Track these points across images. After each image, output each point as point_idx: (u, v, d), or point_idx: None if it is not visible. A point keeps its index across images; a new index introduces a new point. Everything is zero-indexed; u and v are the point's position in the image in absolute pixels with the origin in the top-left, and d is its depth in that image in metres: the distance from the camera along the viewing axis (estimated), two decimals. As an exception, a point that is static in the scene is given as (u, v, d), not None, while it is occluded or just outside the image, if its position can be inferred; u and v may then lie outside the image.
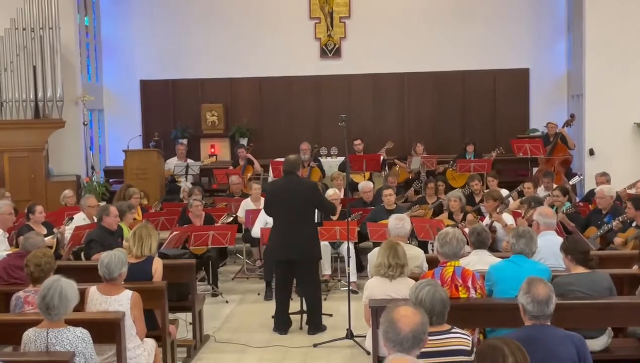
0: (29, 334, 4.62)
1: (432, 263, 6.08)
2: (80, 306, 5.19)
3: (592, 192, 10.03)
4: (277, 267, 7.88)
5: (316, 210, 8.08)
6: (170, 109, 15.49)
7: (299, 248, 7.54)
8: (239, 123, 15.13)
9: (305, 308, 7.79)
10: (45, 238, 7.98)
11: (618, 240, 7.87)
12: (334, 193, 9.83)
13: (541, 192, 10.20)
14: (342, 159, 12.98)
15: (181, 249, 8.62)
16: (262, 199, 10.49)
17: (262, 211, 9.65)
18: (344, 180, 10.50)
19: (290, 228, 7.54)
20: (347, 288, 7.87)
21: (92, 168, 13.81)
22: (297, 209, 7.54)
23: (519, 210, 8.83)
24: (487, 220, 8.70)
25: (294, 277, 7.93)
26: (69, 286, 4.62)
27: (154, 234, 6.53)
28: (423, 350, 3.56)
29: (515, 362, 3.27)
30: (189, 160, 13.59)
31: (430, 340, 3.79)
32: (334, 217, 9.41)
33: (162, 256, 7.36)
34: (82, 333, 4.62)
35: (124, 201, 9.25)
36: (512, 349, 3.34)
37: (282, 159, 12.75)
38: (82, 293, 5.43)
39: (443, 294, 4.30)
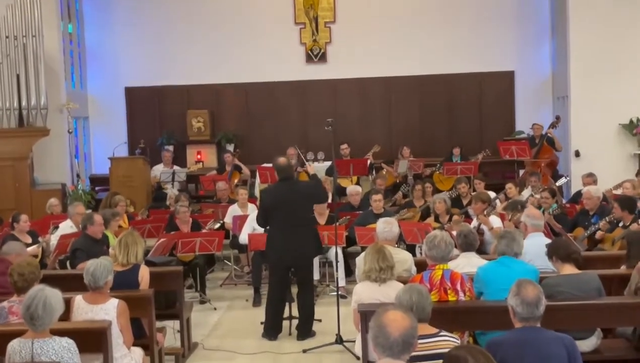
0: (14, 345, 4.56)
1: (421, 266, 6.06)
2: (66, 315, 5.13)
3: (579, 193, 10.07)
4: (276, 273, 7.75)
5: None
6: (156, 115, 15.44)
7: (299, 253, 7.53)
8: (225, 129, 15.09)
9: (295, 314, 7.74)
10: (31, 248, 7.94)
11: (600, 233, 7.94)
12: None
13: (527, 193, 10.23)
14: (329, 163, 12.96)
15: (168, 256, 8.57)
16: (250, 205, 10.52)
17: (250, 217, 9.66)
18: (331, 184, 10.46)
19: (290, 232, 7.48)
20: (335, 293, 7.84)
21: (78, 176, 13.71)
22: (297, 212, 7.50)
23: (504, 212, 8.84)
24: (474, 223, 8.70)
25: (289, 283, 7.88)
26: (54, 295, 4.56)
27: (139, 242, 6.48)
28: (412, 353, 3.54)
29: None
30: (176, 167, 13.53)
31: (419, 343, 3.76)
32: (322, 222, 9.39)
33: (149, 264, 7.31)
34: (67, 343, 4.56)
35: (109, 209, 9.18)
36: (476, 356, 3.35)
37: (270, 165, 12.79)
38: (68, 303, 5.37)
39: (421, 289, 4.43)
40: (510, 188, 9.97)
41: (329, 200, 9.15)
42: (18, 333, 4.63)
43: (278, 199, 7.60)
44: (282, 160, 7.75)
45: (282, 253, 7.54)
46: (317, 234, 7.95)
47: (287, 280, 7.78)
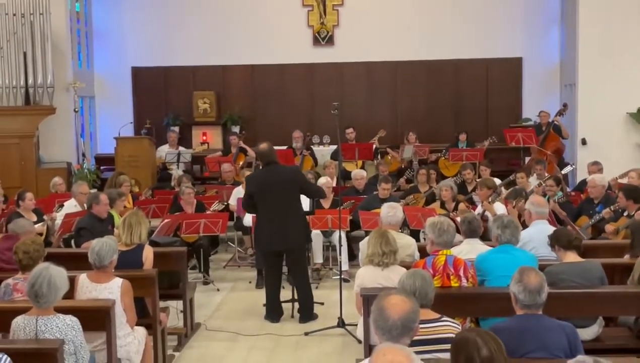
0: (18, 321, 4.59)
1: (424, 252, 6.07)
2: (70, 294, 5.16)
3: (584, 182, 10.04)
4: (266, 257, 7.84)
5: (309, 201, 8.06)
6: (162, 96, 15.41)
7: (288, 238, 7.51)
8: (231, 111, 15.07)
9: (296, 296, 7.77)
10: (35, 226, 7.95)
11: (609, 227, 7.89)
12: (326, 181, 9.82)
13: (533, 180, 10.21)
14: (334, 147, 12.96)
15: (172, 237, 8.59)
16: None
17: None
18: (336, 168, 10.47)
19: (278, 218, 7.47)
20: (338, 276, 7.86)
21: (83, 155, 13.72)
22: (283, 198, 7.47)
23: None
24: (479, 209, 8.70)
25: (283, 266, 7.91)
26: (58, 274, 4.59)
27: (143, 222, 6.49)
28: (413, 338, 3.55)
29: (489, 352, 3.25)
30: (181, 148, 13.53)
31: (420, 327, 3.78)
32: (326, 206, 9.40)
33: (153, 244, 7.34)
34: (71, 321, 4.60)
35: (114, 188, 9.20)
36: (486, 339, 3.31)
37: (275, 147, 12.78)
38: (72, 281, 5.40)
39: (424, 274, 4.43)
40: (522, 177, 9.87)
41: (328, 204, 9.16)
42: (22, 310, 4.66)
43: (262, 185, 7.57)
44: (263, 145, 7.68)
45: (270, 239, 7.54)
46: (305, 223, 7.83)
47: (279, 264, 7.79)
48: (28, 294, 4.59)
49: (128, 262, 6.10)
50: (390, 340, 3.40)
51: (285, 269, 8.13)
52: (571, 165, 11.06)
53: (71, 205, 8.90)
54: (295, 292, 7.78)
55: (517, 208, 8.05)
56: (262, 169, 7.83)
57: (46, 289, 4.51)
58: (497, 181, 9.96)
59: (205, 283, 9.06)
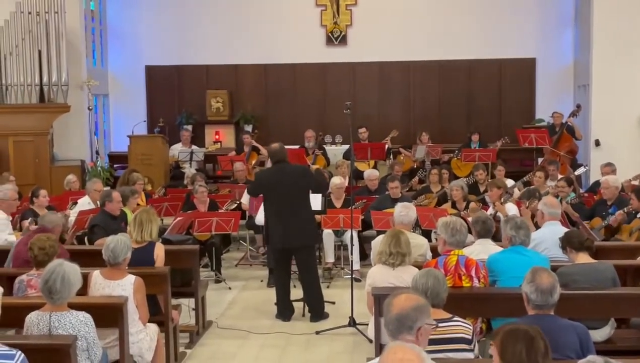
0: (32, 317, 4.63)
1: (436, 252, 6.06)
2: (84, 290, 5.19)
3: (597, 183, 10.00)
4: (275, 255, 7.87)
5: (321, 200, 8.07)
6: (175, 94, 15.47)
7: (296, 236, 7.53)
8: (244, 110, 15.11)
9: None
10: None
11: (618, 217, 7.87)
12: (339, 181, 9.82)
13: (549, 182, 10.14)
14: (346, 146, 12.96)
15: (185, 235, 8.63)
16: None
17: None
18: (349, 168, 10.47)
19: (286, 216, 7.51)
20: (350, 276, 7.87)
21: (97, 153, 13.81)
22: (292, 196, 7.51)
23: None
24: (490, 210, 8.68)
25: (292, 264, 7.93)
26: (72, 270, 4.62)
27: (154, 219, 6.52)
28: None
29: (544, 346, 3.24)
30: (194, 147, 13.58)
31: (431, 327, 3.78)
32: (338, 205, 9.39)
33: (165, 242, 7.38)
34: (84, 317, 4.63)
35: (127, 186, 9.25)
36: (536, 330, 3.29)
37: (288, 147, 12.78)
38: (86, 278, 5.44)
39: (438, 274, 4.43)
40: (541, 177, 9.82)
41: (327, 190, 9.17)
42: (36, 306, 4.71)
43: (268, 181, 7.65)
44: (275, 145, 7.81)
45: (279, 237, 7.57)
46: (314, 222, 7.88)
47: (287, 263, 7.80)
48: (42, 290, 4.62)
49: (139, 259, 6.12)
50: (390, 335, 3.42)
51: (294, 268, 8.14)
52: (585, 166, 11.01)
53: (85, 203, 8.95)
54: (304, 290, 7.80)
55: (531, 209, 8.02)
56: (271, 167, 7.87)
57: (60, 285, 4.54)
58: (510, 182, 9.92)
59: (217, 281, 9.09)
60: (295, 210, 7.53)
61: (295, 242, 7.56)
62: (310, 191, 7.78)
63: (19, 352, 3.57)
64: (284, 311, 7.68)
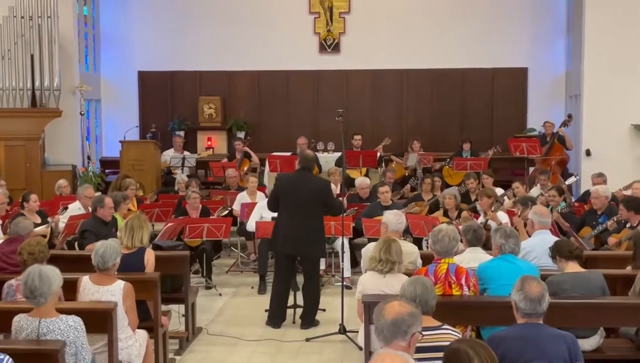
0: (21, 321, 4.60)
1: (427, 259, 6.08)
2: (73, 296, 5.18)
3: (587, 193, 10.04)
4: (279, 260, 7.82)
5: None
6: (168, 100, 15.47)
7: (304, 245, 7.53)
8: (237, 116, 15.11)
9: (300, 302, 7.77)
10: (40, 228, 7.99)
11: (612, 240, 7.88)
12: (332, 189, 9.82)
13: (536, 191, 10.21)
14: (338, 154, 12.97)
15: (175, 241, 8.61)
16: (259, 193, 10.56)
17: (258, 205, 9.70)
18: (340, 175, 10.48)
19: (297, 223, 7.49)
20: (340, 283, 7.86)
21: (89, 158, 13.76)
22: (306, 205, 7.49)
23: (513, 209, 8.82)
24: (481, 219, 8.70)
25: (295, 272, 7.91)
26: (50, 269, 4.63)
27: (146, 226, 6.50)
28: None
29: (480, 362, 3.26)
30: (186, 153, 13.58)
31: (420, 335, 3.78)
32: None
33: (156, 247, 7.36)
34: (74, 322, 4.60)
35: (119, 191, 9.23)
36: (477, 350, 3.32)
37: (280, 153, 12.81)
38: (75, 283, 5.44)
39: (426, 282, 4.43)
40: (517, 187, 9.92)
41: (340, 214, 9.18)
42: (25, 311, 4.67)
43: (290, 186, 7.64)
44: (309, 151, 7.94)
45: (287, 242, 7.55)
46: (323, 234, 7.87)
47: (292, 269, 7.80)
48: (24, 295, 4.60)
49: (129, 265, 6.10)
50: (383, 341, 3.42)
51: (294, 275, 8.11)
52: (575, 176, 11.05)
53: (75, 208, 8.93)
54: (296, 297, 7.79)
55: (522, 217, 8.04)
56: (295, 172, 7.87)
57: (38, 281, 4.50)
58: (500, 191, 9.96)
59: (208, 287, 9.07)
60: (307, 220, 7.51)
61: (300, 251, 7.57)
62: (325, 209, 7.76)
63: (7, 357, 3.56)
64: (274, 318, 7.66)
